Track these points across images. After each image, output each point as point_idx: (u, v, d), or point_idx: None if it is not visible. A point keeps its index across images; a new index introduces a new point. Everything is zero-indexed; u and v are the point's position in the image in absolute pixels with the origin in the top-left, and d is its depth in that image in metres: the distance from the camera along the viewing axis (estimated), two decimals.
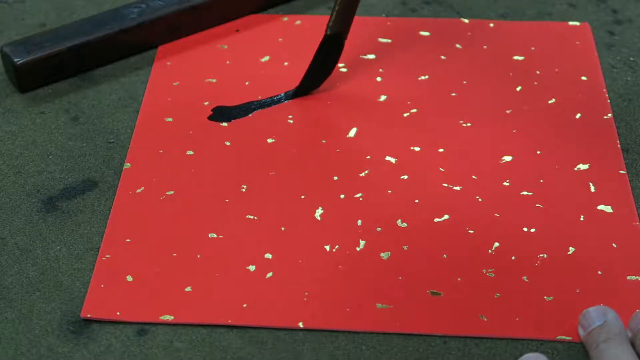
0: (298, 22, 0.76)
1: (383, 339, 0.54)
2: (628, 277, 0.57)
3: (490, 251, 0.59)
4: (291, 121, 0.68)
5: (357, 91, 0.70)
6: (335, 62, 0.69)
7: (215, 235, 0.60)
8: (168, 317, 0.55)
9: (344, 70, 0.72)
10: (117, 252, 0.59)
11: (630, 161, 0.65)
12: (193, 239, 0.60)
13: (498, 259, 0.58)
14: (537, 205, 0.62)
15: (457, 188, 0.63)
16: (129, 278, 0.57)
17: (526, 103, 0.69)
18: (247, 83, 0.71)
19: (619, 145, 0.66)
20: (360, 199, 0.62)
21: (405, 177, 0.64)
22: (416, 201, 0.62)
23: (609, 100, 0.69)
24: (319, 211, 0.61)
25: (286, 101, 0.69)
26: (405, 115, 0.68)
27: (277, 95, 0.69)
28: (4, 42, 0.73)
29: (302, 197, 0.62)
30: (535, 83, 0.71)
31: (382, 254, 0.59)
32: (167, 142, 0.66)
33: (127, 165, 0.64)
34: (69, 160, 0.65)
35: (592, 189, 0.63)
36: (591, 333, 0.53)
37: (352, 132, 0.67)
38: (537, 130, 0.67)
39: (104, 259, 0.58)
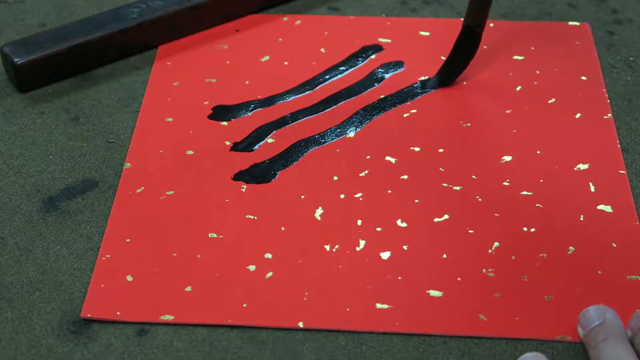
0: (298, 22, 0.76)
1: (383, 339, 0.54)
2: (628, 277, 0.57)
3: (490, 251, 0.59)
4: None
5: (357, 91, 0.70)
6: (471, 55, 0.69)
7: (215, 235, 0.60)
8: (168, 317, 0.55)
9: (344, 68, 0.72)
10: (117, 252, 0.59)
11: (630, 161, 0.65)
12: (193, 239, 0.60)
13: (498, 259, 0.58)
14: (537, 205, 0.62)
15: (457, 188, 0.63)
16: (129, 278, 0.57)
17: (526, 103, 0.69)
18: (247, 83, 0.71)
19: (618, 145, 0.66)
20: (360, 199, 0.62)
21: (405, 177, 0.64)
22: (416, 201, 0.62)
23: (608, 100, 0.69)
24: (319, 211, 0.61)
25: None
26: (405, 115, 0.68)
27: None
28: (4, 42, 0.73)
29: (302, 197, 0.62)
30: (535, 83, 0.71)
31: (382, 254, 0.59)
32: (167, 142, 0.66)
33: (127, 165, 0.64)
34: (69, 160, 0.65)
35: (592, 188, 0.63)
36: (590, 332, 0.53)
37: (352, 132, 0.67)
38: (537, 130, 0.67)
39: (104, 259, 0.58)
